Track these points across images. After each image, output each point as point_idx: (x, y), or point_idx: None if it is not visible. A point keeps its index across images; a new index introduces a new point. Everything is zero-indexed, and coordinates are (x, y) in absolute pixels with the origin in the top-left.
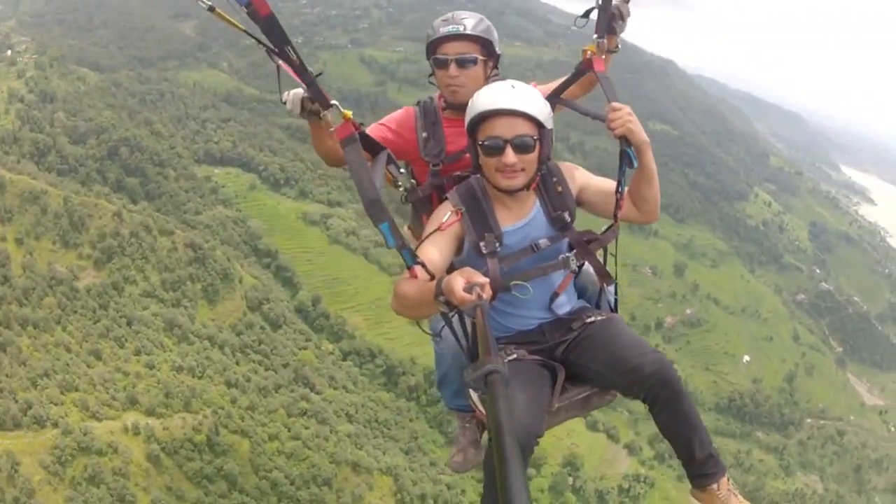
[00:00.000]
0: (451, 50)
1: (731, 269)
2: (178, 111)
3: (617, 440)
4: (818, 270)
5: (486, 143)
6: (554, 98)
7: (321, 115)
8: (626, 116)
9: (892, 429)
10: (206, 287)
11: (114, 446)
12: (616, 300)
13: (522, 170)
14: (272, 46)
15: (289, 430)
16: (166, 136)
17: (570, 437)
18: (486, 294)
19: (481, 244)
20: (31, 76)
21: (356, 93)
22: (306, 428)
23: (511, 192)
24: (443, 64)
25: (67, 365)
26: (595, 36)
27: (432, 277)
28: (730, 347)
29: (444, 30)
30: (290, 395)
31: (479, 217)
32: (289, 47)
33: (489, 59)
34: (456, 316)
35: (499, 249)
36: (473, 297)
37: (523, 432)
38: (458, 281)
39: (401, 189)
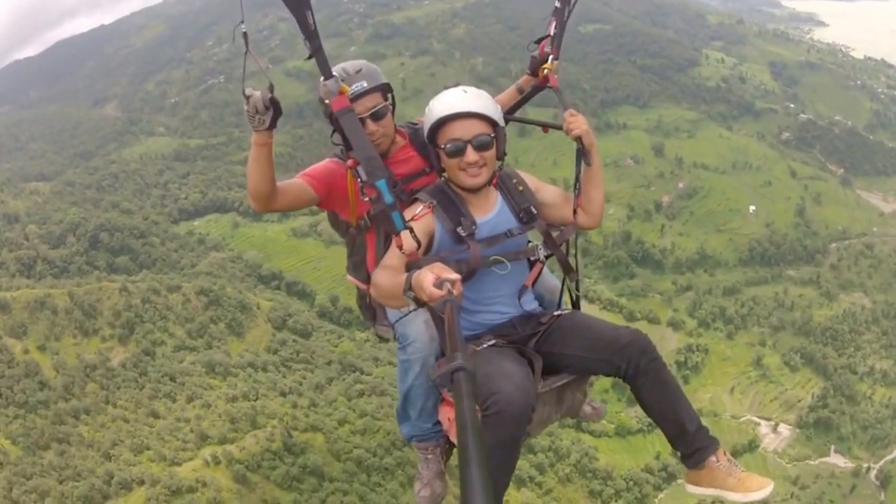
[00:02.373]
0: (363, 107)
1: (708, 132)
2: (137, 185)
3: (659, 321)
4: (792, 105)
5: (447, 146)
6: (509, 116)
7: (321, 87)
8: (581, 120)
9: None
10: (229, 323)
11: (201, 481)
12: (578, 297)
13: (483, 166)
14: (294, 5)
15: (354, 411)
16: (136, 210)
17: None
18: (457, 290)
19: (458, 229)
20: None
21: (295, 106)
22: (369, 403)
23: (476, 189)
24: (362, 122)
25: (130, 433)
26: (551, 57)
27: (418, 246)
28: (732, 204)
29: (353, 89)
30: (343, 383)
31: (451, 209)
32: (309, 11)
33: (391, 100)
34: (432, 310)
35: (476, 232)
36: (443, 292)
37: (523, 397)
38: (427, 276)
39: (365, 199)
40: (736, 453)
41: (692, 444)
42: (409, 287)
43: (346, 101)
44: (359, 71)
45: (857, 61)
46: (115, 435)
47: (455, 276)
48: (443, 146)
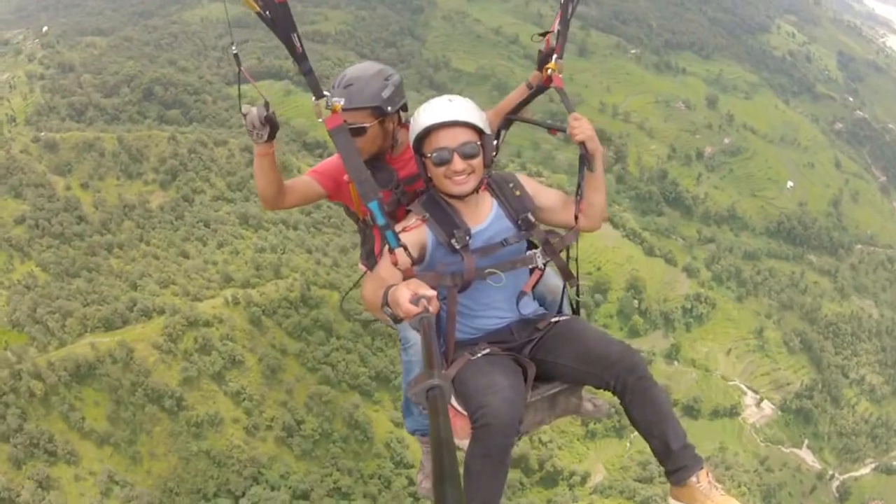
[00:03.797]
0: (350, 121)
1: (765, 99)
2: (195, 47)
3: (675, 264)
4: (851, 99)
5: (433, 155)
6: (513, 116)
7: (314, 107)
8: (585, 125)
9: None
10: None
11: (218, 317)
12: (578, 302)
13: (471, 174)
14: (279, 31)
15: None
16: (192, 70)
17: (630, 262)
18: (433, 307)
19: (452, 241)
20: (41, 56)
21: None
22: None
23: (463, 197)
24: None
25: (159, 268)
26: (555, 56)
27: (413, 262)
28: (772, 174)
29: (331, 102)
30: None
31: (444, 220)
32: (295, 34)
33: (384, 118)
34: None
35: (469, 243)
36: (419, 308)
37: (510, 410)
38: (403, 292)
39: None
40: (716, 413)
41: (676, 463)
42: (385, 303)
43: (338, 119)
44: (348, 86)
45: None
46: (143, 268)
47: (431, 292)
48: (429, 155)
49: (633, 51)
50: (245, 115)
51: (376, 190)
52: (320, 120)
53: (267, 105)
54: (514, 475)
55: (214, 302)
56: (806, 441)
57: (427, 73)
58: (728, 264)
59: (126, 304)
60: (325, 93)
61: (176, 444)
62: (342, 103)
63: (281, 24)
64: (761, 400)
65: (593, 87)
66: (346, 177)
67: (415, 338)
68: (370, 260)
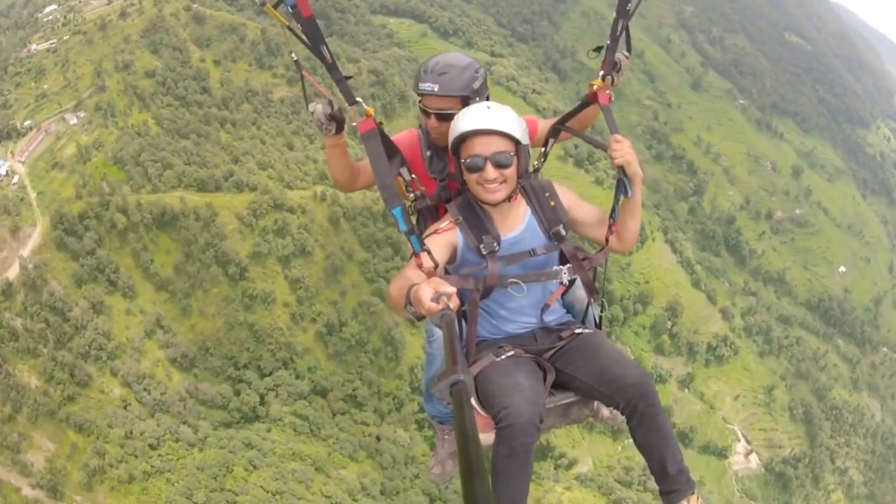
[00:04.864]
0: (431, 104)
1: (845, 187)
2: None
3: (715, 303)
4: None
5: (467, 161)
6: (560, 126)
7: (345, 112)
8: (626, 148)
9: None
10: (384, 105)
11: (302, 207)
12: (601, 318)
13: (503, 183)
14: (309, 43)
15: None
16: None
17: (676, 287)
18: (454, 304)
19: (481, 246)
20: None
21: None
22: None
23: (494, 205)
24: (426, 114)
25: (263, 151)
26: (601, 73)
27: (436, 266)
28: (829, 254)
29: (423, 86)
30: None
31: (476, 224)
32: (324, 46)
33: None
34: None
35: (497, 250)
36: (440, 306)
37: (532, 411)
38: (425, 291)
39: (410, 195)
40: (706, 448)
41: (670, 485)
42: (408, 301)
43: (371, 123)
44: (442, 73)
45: None
46: (248, 148)
47: (451, 289)
48: (464, 160)
49: (741, 101)
50: (312, 113)
51: (400, 198)
52: (353, 125)
53: (331, 103)
54: None
55: (304, 193)
56: None
57: (553, 57)
58: (761, 320)
59: (224, 173)
60: (358, 99)
61: (227, 309)
62: (436, 90)
63: (310, 36)
64: (751, 452)
65: (696, 121)
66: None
67: (439, 331)
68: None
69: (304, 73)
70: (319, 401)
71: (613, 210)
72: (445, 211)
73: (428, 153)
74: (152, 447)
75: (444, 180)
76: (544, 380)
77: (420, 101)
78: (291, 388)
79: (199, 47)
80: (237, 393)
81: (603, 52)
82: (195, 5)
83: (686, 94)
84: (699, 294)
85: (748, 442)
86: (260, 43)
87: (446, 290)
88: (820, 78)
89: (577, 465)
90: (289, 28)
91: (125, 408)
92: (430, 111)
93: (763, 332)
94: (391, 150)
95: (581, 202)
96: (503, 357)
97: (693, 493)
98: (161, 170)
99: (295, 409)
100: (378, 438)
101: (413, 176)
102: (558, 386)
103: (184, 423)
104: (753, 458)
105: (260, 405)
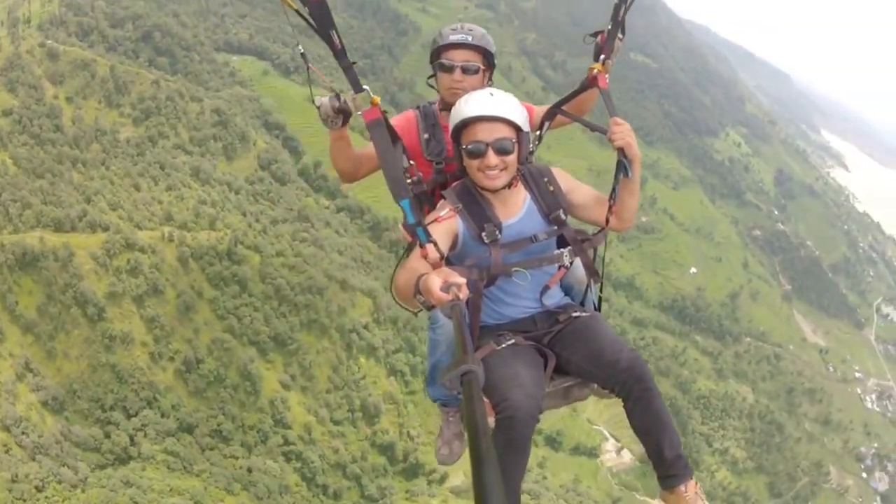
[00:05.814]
0: (457, 57)
1: (692, 193)
2: (200, 6)
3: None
4: (776, 212)
5: (469, 146)
6: (556, 109)
7: (352, 100)
8: (626, 131)
9: (832, 368)
10: (226, 146)
11: (152, 247)
12: (600, 299)
13: (503, 170)
14: (318, 28)
15: (293, 250)
16: (190, 27)
17: None
18: (463, 294)
19: (482, 234)
20: None
21: (359, 0)
22: (307, 249)
23: (494, 191)
24: (448, 69)
25: (113, 192)
26: (602, 56)
27: (442, 257)
28: (679, 258)
29: (454, 37)
30: (294, 226)
31: (477, 211)
32: (333, 31)
33: (488, 69)
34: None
35: (500, 238)
36: (450, 296)
37: (531, 403)
38: (435, 280)
39: (408, 181)
40: (576, 450)
41: (667, 470)
42: (417, 291)
43: (377, 112)
44: (471, 30)
45: (854, 211)
46: (99, 188)
47: (461, 280)
48: (465, 146)
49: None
50: (319, 107)
51: (407, 190)
52: (359, 113)
53: (338, 96)
54: (378, 460)
55: (152, 234)
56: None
57: (392, 90)
58: (615, 324)
59: (78, 212)
60: (365, 87)
61: (89, 350)
62: (469, 39)
63: (319, 21)
64: (622, 448)
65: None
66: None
67: (443, 319)
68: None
69: (310, 66)
70: (187, 437)
71: (613, 190)
72: (442, 196)
73: (426, 136)
74: (38, 489)
75: (440, 163)
76: (545, 366)
77: (442, 57)
78: (159, 426)
79: (54, 84)
80: (107, 435)
81: (601, 36)
82: (49, 42)
83: None
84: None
85: (617, 440)
86: (109, 80)
87: (456, 281)
88: (665, 93)
89: (449, 478)
90: (298, 13)
91: (7, 452)
92: (457, 64)
93: (618, 335)
94: (394, 137)
95: (579, 185)
96: (504, 345)
97: (691, 479)
98: (21, 210)
99: (165, 447)
100: (249, 470)
101: (411, 162)
102: (558, 369)
103: (63, 465)
104: (625, 453)
105: (131, 445)
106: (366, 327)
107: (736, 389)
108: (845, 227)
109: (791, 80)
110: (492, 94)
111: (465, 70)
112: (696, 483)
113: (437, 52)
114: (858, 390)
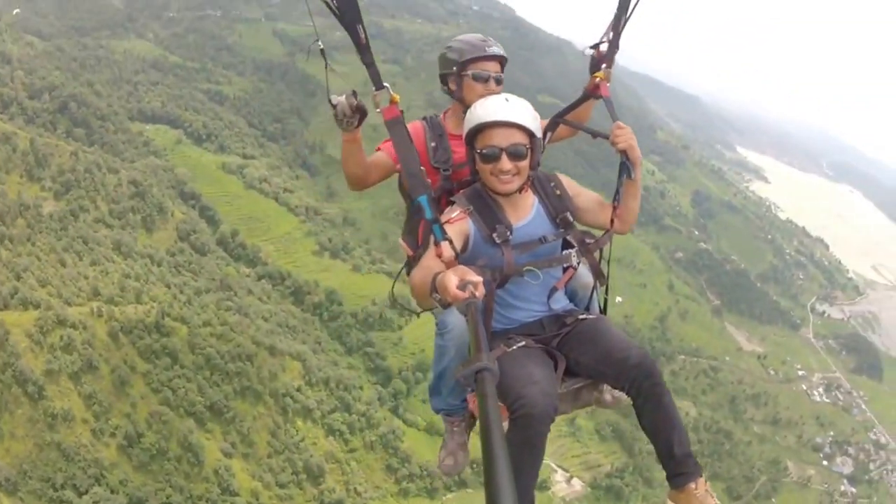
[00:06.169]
0: (491, 68)
1: None
2: (113, 75)
3: None
4: (697, 232)
5: (483, 151)
6: (559, 119)
7: (373, 97)
8: (628, 134)
9: (772, 371)
10: (144, 218)
11: (83, 323)
12: (606, 301)
13: (516, 174)
14: (345, 20)
15: (218, 319)
16: (105, 96)
17: None
18: (479, 292)
19: (494, 235)
20: None
21: (268, 63)
22: (232, 318)
23: (506, 195)
24: (484, 79)
25: (40, 268)
26: (604, 66)
27: (457, 255)
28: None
29: (491, 49)
30: (217, 295)
31: (487, 213)
32: (360, 25)
33: (500, 77)
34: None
35: (510, 239)
36: (466, 294)
37: (547, 401)
38: (451, 279)
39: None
40: None
41: (677, 468)
42: (434, 289)
43: (396, 111)
44: (489, 40)
45: (777, 220)
46: (27, 264)
47: (477, 278)
48: (479, 150)
49: None
50: (335, 106)
51: (427, 185)
52: (378, 111)
53: (355, 94)
54: None
55: (82, 309)
56: None
57: (303, 154)
58: None
59: (9, 290)
60: (385, 84)
61: (33, 430)
62: (503, 53)
63: (347, 13)
64: (571, 477)
65: None
66: (398, 166)
67: (453, 323)
68: (409, 238)
69: (328, 64)
70: None
71: (617, 192)
72: (448, 203)
73: (433, 144)
74: None
75: (447, 170)
76: (555, 368)
77: (476, 68)
78: (110, 502)
79: None
80: None
81: (608, 45)
82: None
83: None
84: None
85: (565, 470)
86: (29, 154)
87: (473, 279)
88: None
89: None
90: (327, 4)
91: None
92: (492, 75)
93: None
94: (409, 138)
95: (583, 190)
96: (515, 347)
97: (701, 476)
98: None
99: None
100: None
101: (421, 168)
102: (567, 371)
103: None
104: (576, 481)
105: None
106: (298, 390)
107: (679, 406)
108: (769, 236)
109: (701, 101)
110: (507, 100)
111: (497, 81)
112: (706, 482)
113: (468, 63)
114: (804, 387)
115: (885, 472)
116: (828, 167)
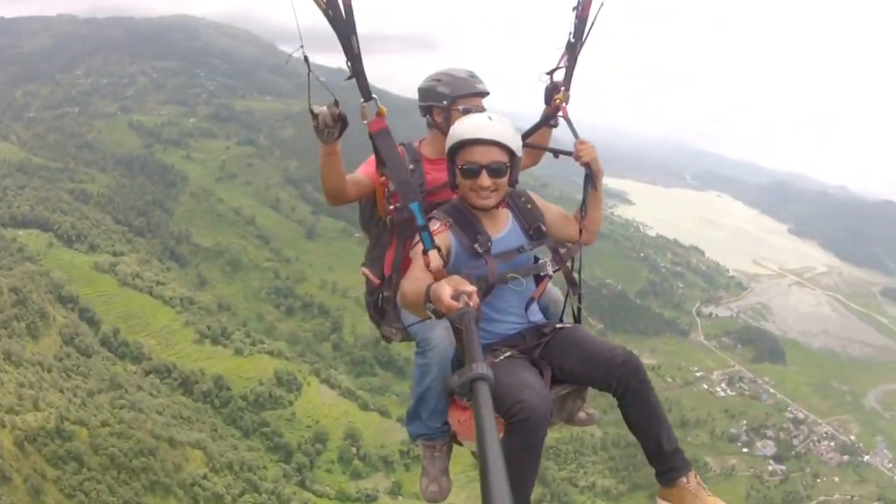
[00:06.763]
0: (479, 103)
1: None
2: None
3: (390, 416)
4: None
5: (464, 167)
6: (523, 142)
7: (361, 106)
8: (589, 148)
9: (669, 379)
10: (28, 325)
11: None
12: (580, 310)
13: (495, 191)
14: (340, 31)
15: (115, 418)
16: None
17: (346, 416)
18: (474, 302)
19: (475, 245)
20: None
21: (127, 156)
22: (128, 414)
23: (484, 210)
24: (477, 109)
25: None
26: (563, 88)
27: (445, 264)
28: None
29: (480, 87)
30: (110, 395)
31: (467, 226)
32: (354, 36)
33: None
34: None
35: (492, 248)
36: (461, 304)
37: (544, 404)
38: (445, 289)
39: (390, 207)
40: None
41: (667, 464)
42: (427, 299)
43: (383, 122)
44: (476, 76)
45: (647, 237)
46: None
47: (471, 288)
48: (460, 166)
49: (357, 234)
50: (317, 115)
51: (416, 193)
52: (365, 122)
53: (337, 103)
54: None
55: None
56: None
57: (170, 245)
58: None
59: None
60: (374, 96)
61: None
62: (486, 89)
63: (342, 24)
64: None
65: (317, 266)
66: (381, 178)
67: (436, 339)
68: (374, 266)
69: (310, 71)
70: None
71: (583, 203)
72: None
73: (411, 167)
74: None
75: (421, 192)
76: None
77: (464, 103)
78: None
79: None
80: None
81: (565, 71)
82: None
83: (302, 245)
84: (371, 414)
85: None
86: None
87: (466, 289)
88: None
89: None
90: (324, 13)
91: None
92: (479, 110)
93: None
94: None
95: (549, 205)
96: (502, 358)
97: (690, 471)
98: None
99: None
100: None
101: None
102: (552, 380)
103: None
104: None
105: None
106: (205, 478)
107: (580, 430)
108: (641, 254)
109: (554, 137)
110: (490, 119)
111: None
112: (696, 475)
113: (459, 98)
114: (705, 386)
115: (811, 443)
116: (692, 178)
